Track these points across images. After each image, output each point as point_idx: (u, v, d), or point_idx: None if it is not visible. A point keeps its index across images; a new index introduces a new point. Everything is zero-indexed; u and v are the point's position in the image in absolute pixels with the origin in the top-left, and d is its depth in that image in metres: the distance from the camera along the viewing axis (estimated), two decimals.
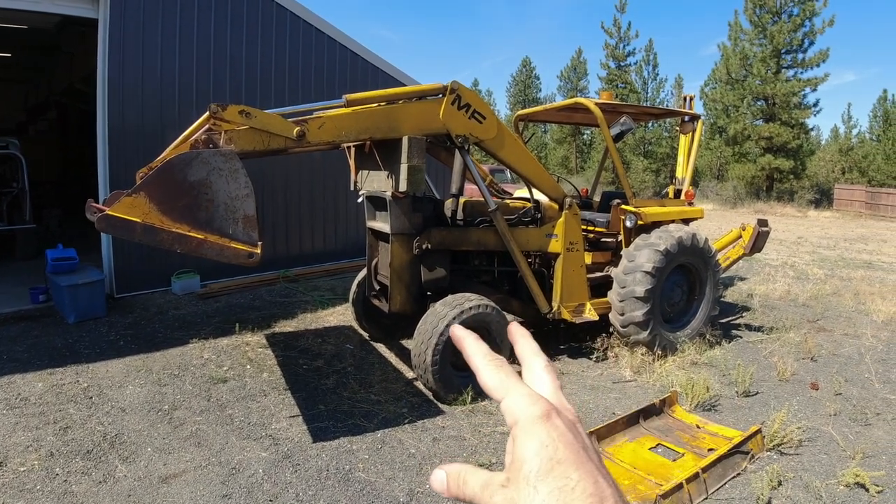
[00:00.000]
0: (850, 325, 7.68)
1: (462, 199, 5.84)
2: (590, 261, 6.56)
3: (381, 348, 6.41)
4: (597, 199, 7.63)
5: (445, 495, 0.54)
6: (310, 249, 10.82)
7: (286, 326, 7.26)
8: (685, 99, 8.27)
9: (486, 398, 4.95)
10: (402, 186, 4.69)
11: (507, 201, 6.27)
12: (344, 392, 5.05)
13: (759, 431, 4.14)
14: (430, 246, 5.20)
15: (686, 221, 6.90)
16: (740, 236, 6.65)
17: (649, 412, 4.53)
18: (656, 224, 6.03)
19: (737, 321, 7.67)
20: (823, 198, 32.72)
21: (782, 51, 31.90)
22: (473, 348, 0.59)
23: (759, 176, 33.06)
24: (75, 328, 6.84)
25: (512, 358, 0.63)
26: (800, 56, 32.13)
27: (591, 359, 6.02)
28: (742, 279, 10.87)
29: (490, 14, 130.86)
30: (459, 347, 0.60)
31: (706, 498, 3.57)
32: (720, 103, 34.63)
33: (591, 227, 6.66)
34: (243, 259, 3.70)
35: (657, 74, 44.51)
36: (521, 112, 7.13)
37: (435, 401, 4.94)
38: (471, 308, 4.87)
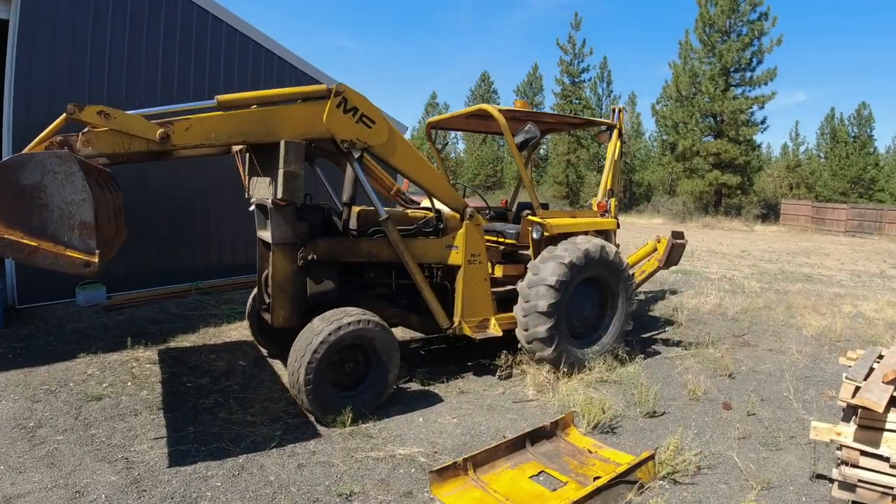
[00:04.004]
0: (777, 339, 7.52)
1: (356, 209, 5.46)
2: (501, 274, 6.23)
3: (277, 365, 5.98)
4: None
5: None
6: (228, 261, 10.28)
7: (183, 341, 6.85)
8: (614, 111, 8.14)
9: (369, 419, 4.61)
10: (279, 193, 4.39)
11: (409, 211, 5.90)
12: (220, 412, 4.70)
13: (651, 458, 3.81)
14: (315, 257, 4.83)
15: (603, 234, 6.66)
16: (655, 249, 6.41)
17: (539, 435, 4.17)
18: (566, 236, 5.74)
19: (658, 336, 7.44)
20: (771, 212, 33.51)
21: (731, 69, 32.73)
22: None
23: (708, 191, 33.72)
24: None
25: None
26: (748, 74, 33.06)
27: (497, 376, 5.66)
28: (674, 292, 10.73)
29: (452, 28, 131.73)
30: None
31: None
32: (670, 120, 35.28)
33: (500, 239, 6.34)
34: (79, 269, 3.39)
35: (611, 91, 45.37)
36: (431, 120, 6.80)
37: (315, 422, 4.56)
38: (349, 324, 4.47)
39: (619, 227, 8.58)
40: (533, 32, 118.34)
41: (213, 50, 9.59)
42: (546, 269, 5.34)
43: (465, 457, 3.71)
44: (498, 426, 4.60)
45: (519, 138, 5.36)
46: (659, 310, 9.17)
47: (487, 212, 6.97)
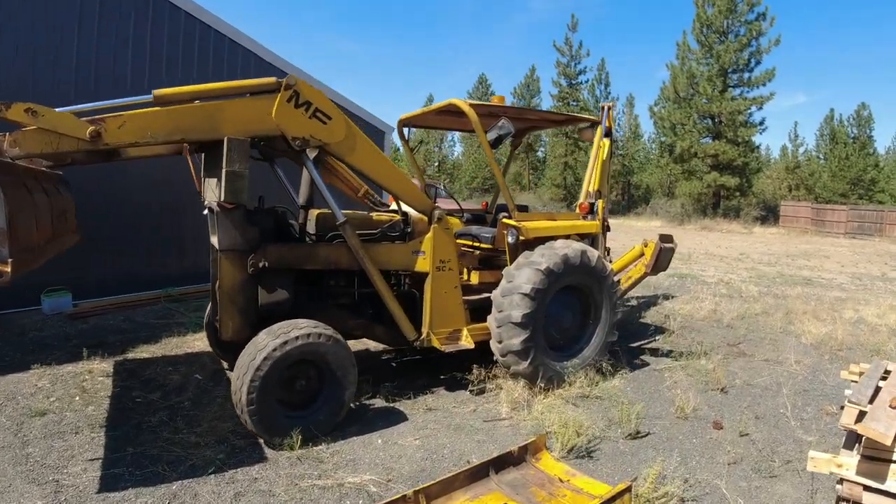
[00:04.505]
0: (774, 348, 7.08)
1: (315, 212, 5.05)
2: (477, 280, 5.82)
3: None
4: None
5: None
6: (203, 267, 9.82)
7: (143, 352, 6.48)
8: (603, 108, 7.76)
9: (322, 441, 4.21)
10: (222, 195, 4.02)
11: (374, 214, 5.48)
12: (164, 431, 4.36)
13: (627, 490, 3.38)
14: (267, 264, 4.42)
15: (589, 238, 6.25)
16: (642, 253, 5.98)
17: (505, 462, 3.72)
18: (545, 240, 5.32)
19: (647, 345, 7.01)
20: (770, 214, 33.09)
21: (729, 70, 32.40)
22: None
23: (706, 193, 33.33)
24: None
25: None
26: (746, 75, 32.69)
27: (469, 392, 5.25)
28: (667, 297, 10.31)
29: (451, 31, 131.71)
30: None
31: None
32: (668, 121, 34.92)
33: (475, 244, 5.92)
34: None
35: (609, 93, 44.98)
36: (403, 116, 6.38)
37: (264, 444, 4.16)
38: (297, 338, 4.05)
39: (608, 229, 8.19)
40: (533, 35, 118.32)
41: (154, 34, 8.89)
42: (520, 277, 4.93)
43: (418, 489, 3.28)
44: (463, 449, 4.18)
45: (492, 135, 4.95)
46: (650, 316, 8.74)
47: (462, 214, 6.55)
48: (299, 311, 4.63)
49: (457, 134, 51.24)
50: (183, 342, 6.83)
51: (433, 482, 3.36)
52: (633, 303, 9.84)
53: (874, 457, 2.84)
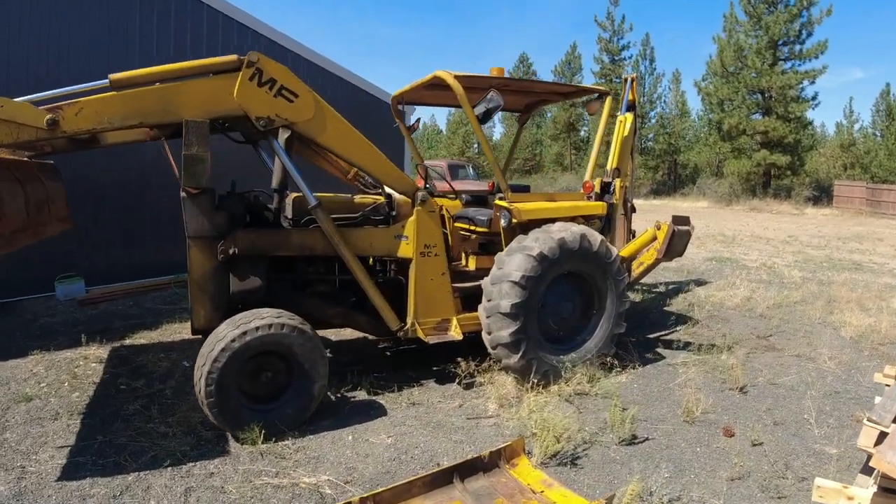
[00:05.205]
0: (808, 342, 6.45)
1: (293, 195, 4.76)
2: (474, 266, 5.44)
3: None
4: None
5: None
6: None
7: (141, 338, 6.48)
8: (626, 80, 7.25)
9: (287, 437, 3.98)
10: (182, 180, 3.87)
11: (358, 197, 5.15)
12: (138, 420, 4.28)
13: None
14: (237, 251, 4.20)
15: (603, 220, 5.79)
16: (655, 238, 5.46)
17: (474, 468, 3.38)
18: (542, 223, 4.89)
19: (665, 336, 6.50)
20: (823, 195, 31.29)
21: (778, 42, 30.66)
22: None
23: (756, 172, 31.74)
24: None
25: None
26: (797, 48, 30.82)
27: (458, 384, 4.91)
28: (700, 283, 9.67)
29: (490, 11, 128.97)
30: None
31: None
32: (715, 97, 33.30)
33: (471, 227, 5.53)
34: None
35: (654, 69, 43.22)
36: (396, 93, 5.98)
37: (231, 437, 3.98)
38: (258, 328, 3.80)
39: (633, 211, 7.66)
40: (575, 12, 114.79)
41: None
42: (511, 263, 4.53)
43: (365, 495, 2.97)
44: (436, 450, 3.85)
45: (479, 108, 4.54)
46: (675, 304, 8.18)
47: (458, 196, 6.14)
48: (274, 300, 4.43)
49: (497, 114, 50.27)
50: (183, 328, 6.76)
51: (385, 488, 3.06)
52: (661, 289, 9.27)
53: (891, 488, 2.37)
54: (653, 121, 44.49)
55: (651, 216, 6.11)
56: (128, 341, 6.32)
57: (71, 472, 3.58)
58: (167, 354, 5.84)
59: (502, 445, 3.51)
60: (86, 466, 3.64)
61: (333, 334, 6.20)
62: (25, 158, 4.90)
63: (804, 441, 4.08)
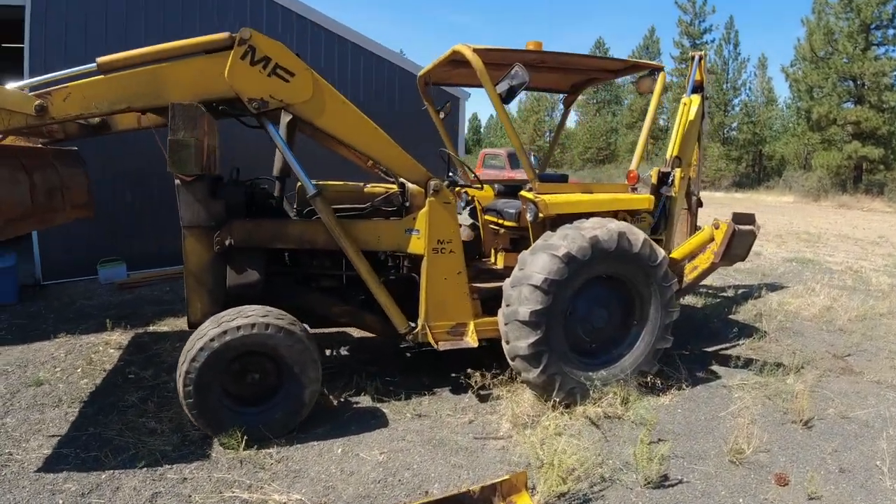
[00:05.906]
0: (893, 365, 5.52)
1: (300, 184, 4.39)
2: (502, 264, 4.92)
3: None
4: None
5: None
6: None
7: (165, 325, 6.42)
8: (693, 58, 6.47)
9: (273, 444, 3.68)
10: (168, 166, 3.60)
11: (369, 186, 4.70)
12: (132, 413, 4.15)
13: None
14: (233, 242, 3.92)
15: (657, 213, 5.13)
16: (713, 238, 4.72)
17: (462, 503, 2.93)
18: (572, 217, 4.28)
19: (724, 352, 5.74)
20: None
21: (871, 25, 28.05)
22: None
23: (846, 165, 29.25)
24: None
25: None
26: (890, 32, 28.12)
27: (472, 395, 4.43)
28: (774, 288, 8.69)
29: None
30: None
31: None
32: (804, 84, 30.86)
33: (500, 221, 4.98)
34: None
35: (738, 53, 40.51)
36: (421, 72, 5.44)
37: (216, 439, 3.72)
38: (239, 328, 3.47)
39: (700, 205, 6.89)
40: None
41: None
42: (534, 265, 3.97)
43: None
44: (429, 474, 3.40)
45: (502, 86, 3.97)
46: (742, 312, 7.31)
47: (492, 186, 5.59)
48: (276, 295, 4.13)
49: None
50: None
51: None
52: (728, 293, 8.39)
53: None
54: (737, 109, 41.85)
55: (728, 211, 5.36)
56: (151, 328, 6.26)
57: (51, 464, 3.49)
58: (183, 343, 5.60)
59: (499, 480, 3.01)
60: (67, 459, 3.54)
61: (356, 330, 5.84)
62: (39, 145, 4.89)
63: (871, 495, 3.34)
